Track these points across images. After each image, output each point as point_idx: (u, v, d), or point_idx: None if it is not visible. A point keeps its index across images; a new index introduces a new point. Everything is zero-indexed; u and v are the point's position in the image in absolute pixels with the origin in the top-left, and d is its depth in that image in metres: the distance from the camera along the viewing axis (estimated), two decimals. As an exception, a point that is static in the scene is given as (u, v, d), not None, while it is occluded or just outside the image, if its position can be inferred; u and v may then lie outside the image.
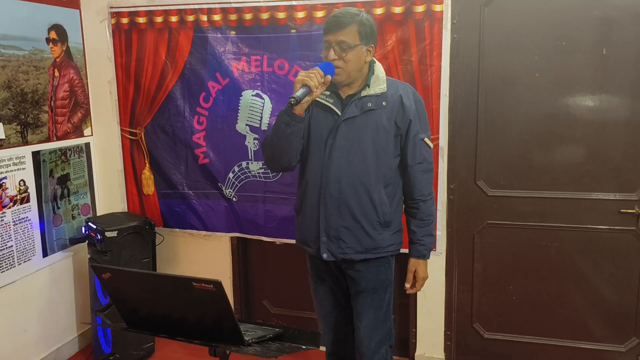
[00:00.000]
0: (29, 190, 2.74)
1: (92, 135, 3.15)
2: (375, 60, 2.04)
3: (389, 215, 2.03)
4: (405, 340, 2.95)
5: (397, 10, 2.55)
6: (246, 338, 1.49)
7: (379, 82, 1.99)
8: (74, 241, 2.99)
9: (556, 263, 2.67)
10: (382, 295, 2.09)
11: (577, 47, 2.47)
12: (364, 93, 1.97)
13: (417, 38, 2.56)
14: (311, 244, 2.08)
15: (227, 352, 1.55)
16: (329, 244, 2.02)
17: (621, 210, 2.53)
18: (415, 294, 2.84)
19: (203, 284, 1.38)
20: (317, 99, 1.96)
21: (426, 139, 2.04)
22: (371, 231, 2.01)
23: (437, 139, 2.61)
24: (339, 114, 1.99)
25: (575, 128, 2.54)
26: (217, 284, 1.38)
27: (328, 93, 2.00)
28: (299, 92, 1.84)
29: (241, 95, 2.86)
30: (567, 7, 2.45)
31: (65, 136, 2.96)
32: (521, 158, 2.62)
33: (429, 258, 2.11)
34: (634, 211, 2.51)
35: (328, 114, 2.01)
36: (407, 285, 2.14)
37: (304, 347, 1.58)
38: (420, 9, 2.53)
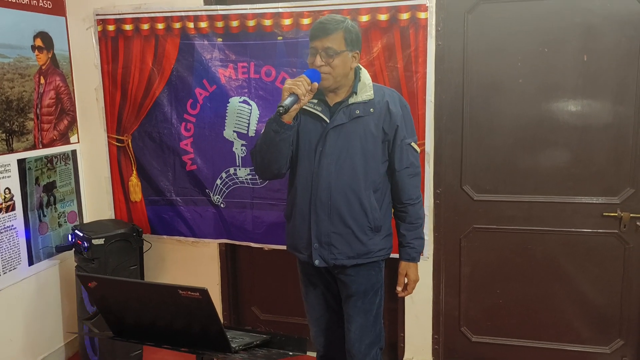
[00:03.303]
0: (14, 199, 2.72)
1: (78, 142, 3.14)
2: (361, 66, 2.07)
3: (379, 220, 2.05)
4: (394, 345, 2.96)
5: (383, 17, 2.57)
6: (233, 345, 1.50)
7: (366, 89, 2.01)
8: (60, 249, 2.97)
9: (542, 266, 2.70)
10: (372, 299, 2.11)
11: (559, 54, 2.51)
12: (351, 100, 1.99)
13: (403, 45, 2.58)
14: (303, 250, 2.10)
15: (214, 359, 1.55)
16: (320, 250, 2.04)
17: (604, 214, 2.57)
18: (404, 298, 2.86)
19: (189, 292, 1.38)
20: (305, 107, 1.98)
21: (413, 144, 2.08)
22: (362, 236, 2.03)
23: (423, 144, 2.63)
24: (327, 121, 2.01)
25: (558, 133, 2.57)
26: (204, 292, 1.38)
27: (316, 101, 2.02)
28: (287, 101, 1.86)
29: (228, 102, 2.86)
30: (549, 14, 2.49)
31: (51, 143, 2.95)
32: (506, 163, 2.66)
33: (419, 261, 2.14)
34: (616, 214, 2.55)
35: (316, 121, 2.03)
36: (399, 289, 2.16)
37: (290, 353, 1.58)
38: (405, 16, 2.55)
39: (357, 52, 1.99)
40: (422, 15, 2.53)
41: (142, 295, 1.51)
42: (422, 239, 2.14)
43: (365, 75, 2.05)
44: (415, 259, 2.11)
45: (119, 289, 1.55)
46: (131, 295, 1.53)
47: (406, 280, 2.14)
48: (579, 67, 2.50)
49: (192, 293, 1.37)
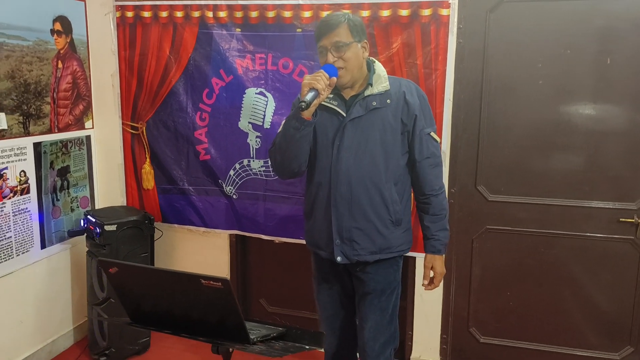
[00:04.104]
0: (29, 182, 2.72)
1: (93, 128, 3.14)
2: (374, 59, 2.06)
3: (400, 213, 2.03)
4: (402, 343, 2.95)
5: (404, 13, 2.56)
6: (251, 336, 1.49)
7: (381, 80, 1.99)
8: (72, 234, 2.98)
9: (553, 270, 2.69)
10: (389, 297, 2.09)
11: (581, 56, 2.49)
12: (367, 92, 1.98)
13: (423, 41, 2.57)
14: (324, 247, 2.08)
15: (231, 349, 1.55)
16: (342, 246, 2.02)
17: (620, 220, 2.55)
18: (413, 297, 2.86)
19: (211, 282, 1.38)
20: (321, 102, 1.97)
21: (432, 133, 2.05)
22: (384, 230, 2.01)
23: (440, 142, 2.62)
24: (344, 115, 1.99)
25: (576, 136, 2.56)
26: (225, 282, 1.37)
27: (331, 96, 2.00)
28: (309, 96, 1.84)
29: (245, 93, 2.85)
30: (572, 16, 2.47)
31: (66, 128, 2.95)
32: (522, 164, 2.64)
33: (445, 253, 2.11)
34: (632, 220, 2.53)
35: (333, 116, 2.01)
36: (425, 282, 2.14)
37: (307, 347, 1.58)
38: (426, 12, 2.53)
39: (365, 42, 1.98)
40: (444, 12, 2.52)
41: (162, 283, 1.51)
42: (447, 230, 2.10)
43: (379, 67, 2.03)
44: (440, 251, 2.08)
45: (140, 276, 1.55)
46: (152, 282, 1.53)
47: (432, 274, 2.12)
48: (600, 71, 2.48)
49: (214, 283, 1.37)
